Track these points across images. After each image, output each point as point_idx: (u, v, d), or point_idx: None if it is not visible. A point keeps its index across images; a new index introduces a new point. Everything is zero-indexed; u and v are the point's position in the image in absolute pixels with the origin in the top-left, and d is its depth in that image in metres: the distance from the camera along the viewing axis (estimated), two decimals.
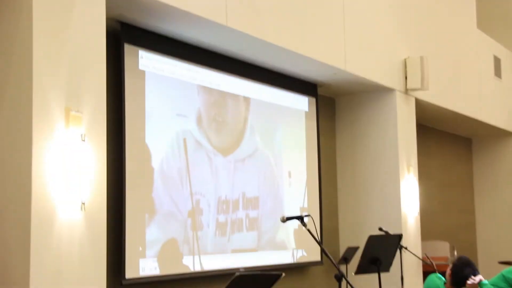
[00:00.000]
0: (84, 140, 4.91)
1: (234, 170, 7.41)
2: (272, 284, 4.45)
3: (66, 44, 4.96)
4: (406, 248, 8.33)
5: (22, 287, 4.58)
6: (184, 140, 6.78)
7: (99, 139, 5.10)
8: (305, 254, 8.42)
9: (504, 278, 6.62)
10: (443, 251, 10.72)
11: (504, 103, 13.16)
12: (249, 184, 7.67)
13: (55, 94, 4.82)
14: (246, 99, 7.74)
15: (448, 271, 6.08)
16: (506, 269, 6.81)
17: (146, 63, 6.46)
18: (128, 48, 6.24)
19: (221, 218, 7.15)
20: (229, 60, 7.46)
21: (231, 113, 7.51)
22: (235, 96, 7.56)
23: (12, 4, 4.82)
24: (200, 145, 6.96)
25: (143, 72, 6.41)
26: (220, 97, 7.34)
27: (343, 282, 4.86)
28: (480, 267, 13.12)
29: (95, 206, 5.01)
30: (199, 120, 7.00)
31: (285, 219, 5.14)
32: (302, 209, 8.46)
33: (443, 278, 6.22)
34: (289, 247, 8.18)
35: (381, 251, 7.27)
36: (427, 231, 10.63)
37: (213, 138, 7.15)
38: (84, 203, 4.87)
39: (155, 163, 6.43)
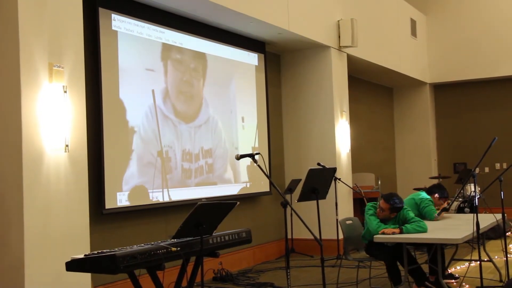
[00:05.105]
0: (66, 92, 4.81)
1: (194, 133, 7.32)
2: (229, 211, 4.44)
3: (48, 7, 4.80)
4: (339, 179, 8.45)
5: (17, 218, 4.53)
6: (153, 91, 6.67)
7: (79, 91, 5.01)
8: (256, 186, 8.45)
9: (414, 201, 6.73)
10: (370, 181, 10.90)
11: (419, 58, 13.30)
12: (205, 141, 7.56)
13: (39, 51, 4.69)
14: (205, 56, 7.61)
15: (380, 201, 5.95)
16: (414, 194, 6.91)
17: (118, 24, 6.28)
18: (102, 12, 6.07)
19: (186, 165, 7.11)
20: (189, 22, 7.30)
21: (191, 72, 7.39)
22: (194, 53, 7.42)
23: None
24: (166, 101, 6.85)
25: (115, 32, 6.24)
26: (181, 54, 7.20)
27: (288, 208, 4.89)
28: (398, 193, 13.54)
29: (77, 147, 4.95)
30: (165, 74, 6.86)
31: (239, 157, 5.10)
32: (253, 148, 8.46)
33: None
34: (242, 181, 8.20)
35: (319, 182, 7.35)
36: (357, 165, 10.79)
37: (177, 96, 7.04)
38: (67, 145, 4.80)
39: (127, 108, 6.32)
